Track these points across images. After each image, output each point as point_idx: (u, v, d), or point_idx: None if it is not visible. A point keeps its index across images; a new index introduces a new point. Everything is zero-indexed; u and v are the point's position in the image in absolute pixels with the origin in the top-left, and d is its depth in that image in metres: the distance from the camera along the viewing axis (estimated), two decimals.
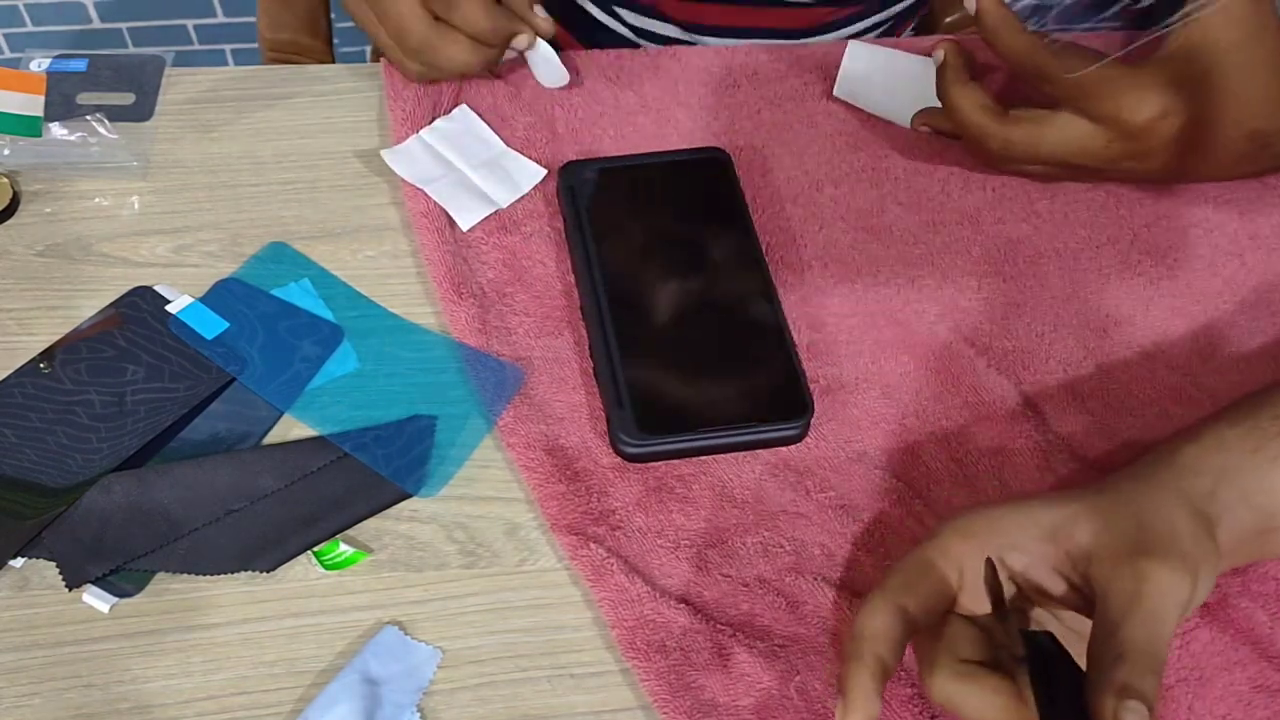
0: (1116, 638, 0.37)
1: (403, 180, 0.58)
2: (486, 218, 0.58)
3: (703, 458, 0.51)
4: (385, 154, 0.59)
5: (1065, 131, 0.56)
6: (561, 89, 0.63)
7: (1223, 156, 0.57)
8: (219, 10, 1.52)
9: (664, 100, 0.64)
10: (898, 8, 0.80)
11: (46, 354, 0.52)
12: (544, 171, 0.60)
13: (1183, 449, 0.45)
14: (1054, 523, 0.42)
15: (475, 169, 0.59)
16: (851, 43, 0.63)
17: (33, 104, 0.59)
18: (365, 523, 0.48)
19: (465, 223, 0.57)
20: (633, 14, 0.78)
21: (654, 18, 0.78)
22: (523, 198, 0.59)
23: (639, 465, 0.50)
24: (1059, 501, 0.43)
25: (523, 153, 0.60)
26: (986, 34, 0.55)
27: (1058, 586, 0.42)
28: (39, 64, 0.62)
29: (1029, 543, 0.42)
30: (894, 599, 0.41)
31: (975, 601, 0.42)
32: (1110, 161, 0.56)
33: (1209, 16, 0.53)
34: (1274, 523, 0.44)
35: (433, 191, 0.58)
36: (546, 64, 0.62)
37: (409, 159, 0.59)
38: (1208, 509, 0.43)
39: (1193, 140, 0.55)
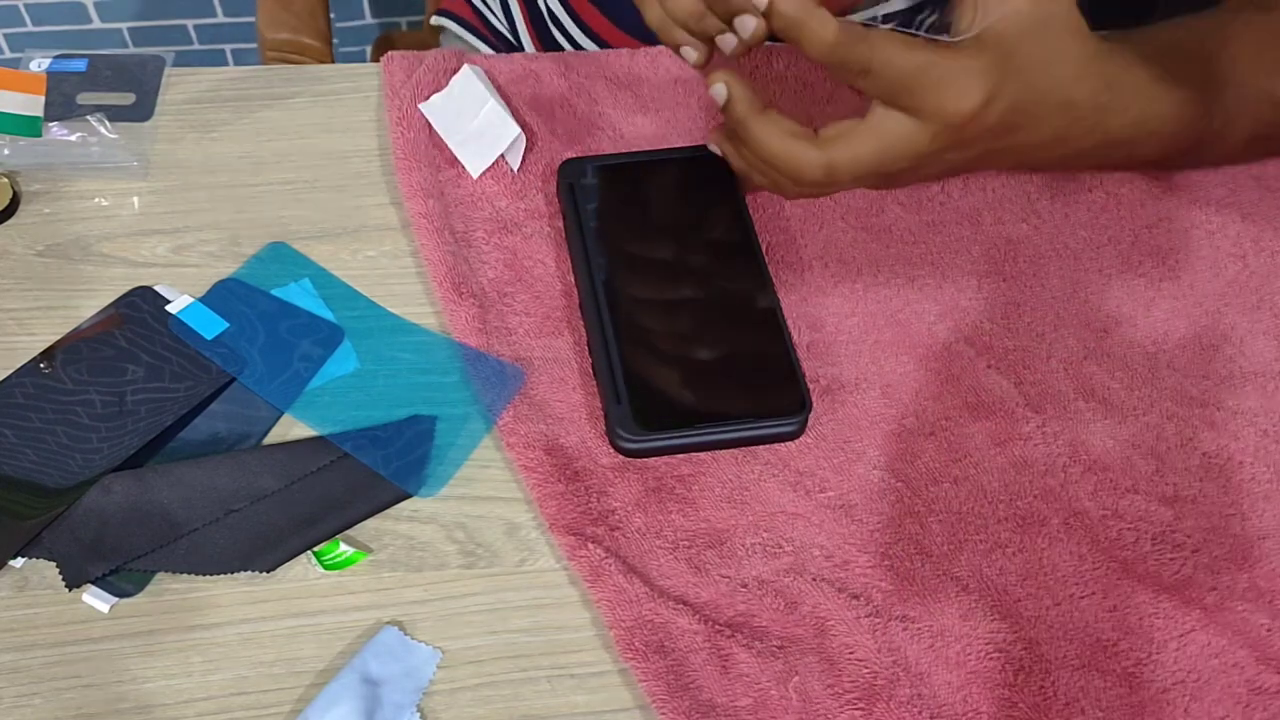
0: None
1: (402, 180, 0.58)
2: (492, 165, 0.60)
3: (701, 457, 0.51)
4: (422, 107, 0.61)
5: (886, 135, 0.50)
6: (562, 90, 0.63)
7: (1042, 132, 0.52)
8: (219, 10, 1.52)
9: (664, 100, 0.64)
10: None
11: (46, 354, 0.52)
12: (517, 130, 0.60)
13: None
14: None
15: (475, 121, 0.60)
16: None
17: (33, 104, 0.59)
18: (365, 523, 0.48)
19: (475, 170, 0.59)
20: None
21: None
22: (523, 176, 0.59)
23: (638, 465, 0.50)
24: None
25: (523, 152, 0.60)
26: (789, 28, 0.48)
27: None
28: (39, 64, 0.62)
29: None
30: None
31: None
32: (934, 155, 0.51)
33: None
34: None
35: (452, 145, 0.60)
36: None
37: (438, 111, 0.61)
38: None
39: (1011, 122, 0.51)
